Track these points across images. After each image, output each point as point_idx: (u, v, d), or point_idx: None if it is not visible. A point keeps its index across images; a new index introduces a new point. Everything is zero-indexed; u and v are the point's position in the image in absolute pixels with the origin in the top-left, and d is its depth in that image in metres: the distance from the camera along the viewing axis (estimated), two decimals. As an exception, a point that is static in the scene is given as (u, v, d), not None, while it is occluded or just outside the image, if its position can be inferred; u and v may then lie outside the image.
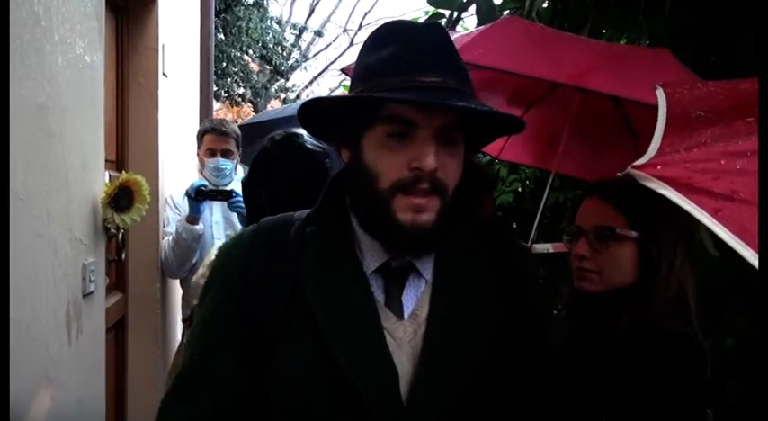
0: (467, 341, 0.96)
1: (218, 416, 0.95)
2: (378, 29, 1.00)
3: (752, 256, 0.83)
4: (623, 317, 1.37)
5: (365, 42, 1.00)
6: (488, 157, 3.55)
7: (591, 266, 1.42)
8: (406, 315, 0.97)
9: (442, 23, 2.72)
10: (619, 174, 1.00)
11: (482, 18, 2.49)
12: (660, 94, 1.21)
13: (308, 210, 1.05)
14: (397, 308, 0.97)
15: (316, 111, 1.00)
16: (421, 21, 3.95)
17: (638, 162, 0.97)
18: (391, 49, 0.93)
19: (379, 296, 0.97)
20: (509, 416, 0.99)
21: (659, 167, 0.94)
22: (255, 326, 0.95)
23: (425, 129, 0.90)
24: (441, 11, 2.77)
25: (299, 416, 0.93)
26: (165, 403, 1.00)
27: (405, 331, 0.96)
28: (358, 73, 0.98)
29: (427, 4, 3.00)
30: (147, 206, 2.18)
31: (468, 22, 3.08)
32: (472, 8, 2.61)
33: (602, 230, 1.40)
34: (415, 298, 0.98)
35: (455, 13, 2.67)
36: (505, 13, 2.67)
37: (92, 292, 1.96)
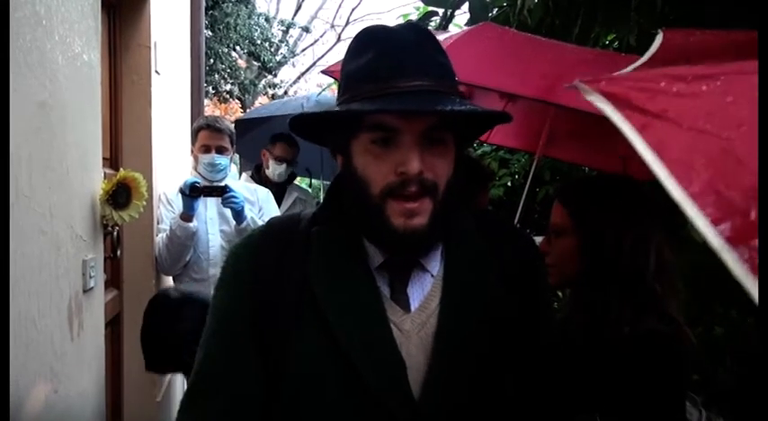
0: (476, 331, 0.99)
1: (235, 411, 0.98)
2: (357, 35, 1.03)
3: (661, 171, 0.85)
4: (578, 309, 1.46)
5: (348, 48, 1.03)
6: (480, 151, 3.60)
7: (549, 261, 1.50)
8: (413, 308, 1.00)
9: (436, 21, 2.75)
10: (565, 86, 1.01)
11: (475, 16, 2.52)
12: (658, 38, 1.26)
13: (314, 210, 1.09)
14: (403, 301, 1.00)
15: (307, 121, 1.04)
16: (412, 17, 3.98)
17: (588, 78, 0.99)
18: (368, 55, 0.96)
19: (385, 290, 1.00)
20: (519, 405, 1.02)
21: (603, 83, 0.96)
22: (268, 323, 0.98)
23: (408, 133, 0.93)
24: (434, 9, 2.80)
25: (312, 409, 0.96)
26: (184, 401, 1.02)
27: (412, 323, 0.99)
28: (342, 81, 1.02)
29: (418, 1, 3.03)
30: (144, 203, 2.20)
31: (460, 19, 3.12)
32: (465, 6, 2.64)
33: (552, 227, 1.53)
34: (421, 291, 1.01)
35: (448, 11, 2.70)
36: (496, 10, 2.71)
37: (92, 288, 1.98)
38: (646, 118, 0.91)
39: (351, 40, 1.04)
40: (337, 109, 0.96)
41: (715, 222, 0.80)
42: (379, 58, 0.95)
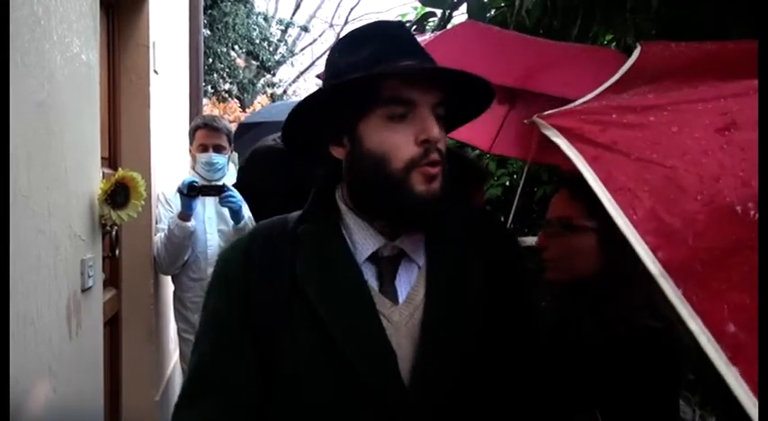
0: (463, 321, 1.01)
1: (230, 411, 0.99)
2: (346, 35, 1.06)
3: (607, 200, 0.91)
4: (590, 309, 1.41)
5: (335, 48, 1.05)
6: (477, 151, 3.60)
7: (549, 256, 1.47)
8: (401, 300, 1.01)
9: (434, 22, 2.75)
10: (525, 121, 1.06)
11: (473, 16, 2.52)
12: (635, 53, 1.31)
13: (300, 212, 1.10)
14: (391, 293, 1.02)
15: (303, 115, 1.03)
16: (409, 17, 3.98)
17: (546, 112, 1.04)
18: (368, 47, 0.99)
19: (373, 283, 1.02)
20: (508, 395, 1.03)
21: (558, 118, 1.02)
22: (261, 324, 0.99)
23: (423, 105, 0.96)
24: (432, 9, 2.80)
25: (308, 407, 0.97)
26: (180, 402, 1.03)
27: (401, 315, 1.00)
28: (338, 73, 1.00)
29: (415, 1, 3.04)
30: (143, 202, 2.20)
31: (459, 20, 3.12)
32: (463, 7, 2.64)
33: (561, 221, 1.46)
34: (408, 283, 1.03)
35: (446, 12, 2.70)
36: (494, 11, 2.71)
37: (90, 288, 1.98)
38: (597, 150, 0.96)
39: (338, 40, 1.06)
40: (357, 75, 0.96)
41: (654, 249, 0.85)
42: (381, 46, 0.99)
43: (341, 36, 1.11)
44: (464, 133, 2.56)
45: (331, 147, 1.04)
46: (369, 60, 0.97)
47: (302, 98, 1.03)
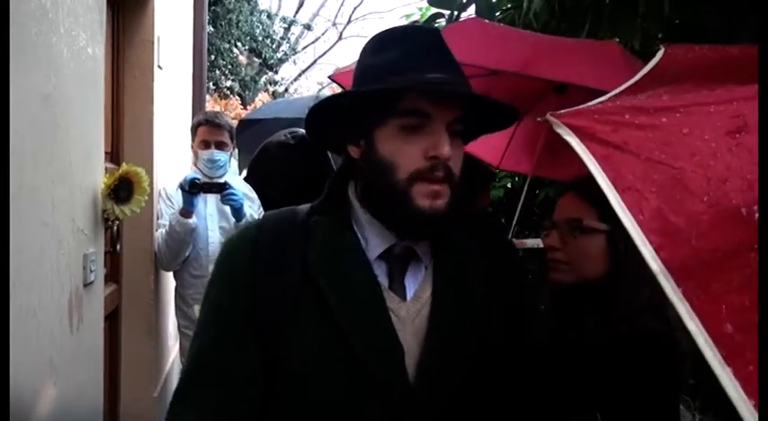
0: (467, 318, 1.02)
1: (224, 411, 0.98)
2: (378, 34, 1.06)
3: (615, 199, 0.91)
4: (592, 310, 1.40)
5: (366, 47, 1.06)
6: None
7: (561, 257, 1.45)
8: (408, 296, 1.02)
9: (442, 23, 2.74)
10: (538, 119, 1.06)
11: (481, 17, 2.53)
12: (659, 54, 1.31)
13: (310, 204, 1.10)
14: (400, 290, 1.03)
15: (323, 111, 1.04)
16: (414, 18, 3.99)
17: (559, 111, 1.05)
18: (397, 51, 0.99)
19: (383, 280, 1.02)
20: (510, 395, 1.04)
21: (571, 117, 1.02)
22: (266, 318, 0.99)
23: (438, 121, 0.96)
24: (440, 10, 2.80)
25: (314, 401, 0.97)
26: (178, 392, 1.03)
27: (408, 311, 1.01)
28: (365, 73, 1.03)
29: (422, 2, 3.04)
30: (146, 198, 2.20)
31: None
32: (471, 8, 2.64)
33: (571, 222, 1.44)
34: (416, 281, 1.04)
35: (454, 13, 2.70)
36: (498, 14, 2.71)
37: (92, 282, 1.98)
38: (607, 150, 0.96)
39: (369, 39, 1.07)
40: (379, 87, 0.97)
41: (657, 248, 0.86)
42: (408, 52, 0.99)
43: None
44: (474, 148, 2.57)
45: (348, 146, 1.05)
46: (393, 66, 0.98)
47: (321, 96, 1.04)
